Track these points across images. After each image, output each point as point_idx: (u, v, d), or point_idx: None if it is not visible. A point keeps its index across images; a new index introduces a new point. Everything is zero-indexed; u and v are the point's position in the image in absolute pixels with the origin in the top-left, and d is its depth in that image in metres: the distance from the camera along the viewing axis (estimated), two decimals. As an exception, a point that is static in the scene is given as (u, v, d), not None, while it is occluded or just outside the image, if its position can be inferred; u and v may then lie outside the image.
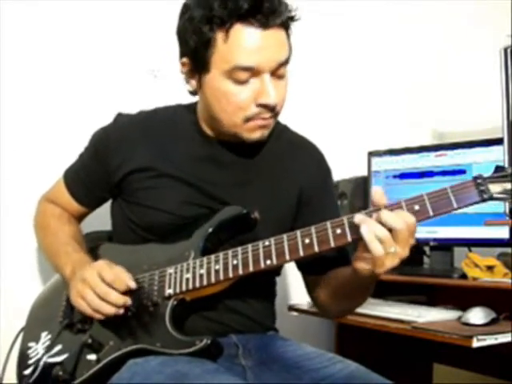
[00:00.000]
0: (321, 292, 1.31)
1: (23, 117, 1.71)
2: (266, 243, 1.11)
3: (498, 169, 1.04)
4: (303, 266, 1.32)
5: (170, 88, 1.21)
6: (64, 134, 1.72)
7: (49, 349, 1.23)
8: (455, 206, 1.03)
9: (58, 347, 1.23)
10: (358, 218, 1.02)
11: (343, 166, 2.00)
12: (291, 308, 1.81)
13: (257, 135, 1.20)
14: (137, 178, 1.26)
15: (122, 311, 1.14)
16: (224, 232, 1.21)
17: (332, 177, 1.39)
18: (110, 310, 1.13)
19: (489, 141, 1.73)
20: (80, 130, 1.48)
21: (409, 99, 2.30)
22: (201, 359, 1.10)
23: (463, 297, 1.65)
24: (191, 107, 1.30)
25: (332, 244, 1.06)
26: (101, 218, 1.41)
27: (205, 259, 1.16)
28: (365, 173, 2.01)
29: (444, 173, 1.82)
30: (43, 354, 1.24)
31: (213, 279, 1.14)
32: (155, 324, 1.15)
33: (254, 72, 1.13)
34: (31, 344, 1.29)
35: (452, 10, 2.39)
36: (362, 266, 1.05)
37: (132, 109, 1.35)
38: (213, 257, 1.15)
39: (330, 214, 1.12)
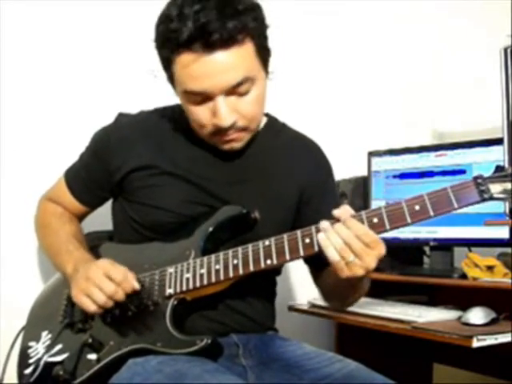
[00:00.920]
0: (322, 284, 1.33)
1: (24, 117, 1.71)
2: (267, 243, 1.12)
3: (498, 169, 1.04)
4: (307, 259, 1.32)
5: (170, 88, 1.21)
6: (64, 133, 1.72)
7: (49, 348, 1.24)
8: (455, 205, 1.03)
9: (58, 346, 1.24)
10: (322, 225, 1.06)
11: (343, 166, 1.99)
12: (291, 308, 1.81)
13: (227, 147, 1.21)
14: (137, 176, 1.26)
15: (117, 311, 1.16)
16: (224, 232, 1.22)
17: (333, 173, 1.38)
18: (113, 308, 1.15)
19: (489, 141, 1.73)
20: (80, 130, 1.49)
21: (409, 99, 2.30)
22: (201, 359, 1.10)
23: (463, 297, 1.65)
24: None
25: None
26: (102, 218, 1.41)
27: (205, 259, 1.16)
28: (365, 173, 2.01)
29: (444, 173, 1.81)
30: (44, 354, 1.24)
31: (213, 279, 1.14)
32: (156, 324, 1.16)
33: (207, 95, 1.12)
34: (32, 343, 1.29)
35: (452, 10, 2.39)
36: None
37: (132, 109, 1.35)
38: (213, 256, 1.15)
39: (330, 213, 1.12)
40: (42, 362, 1.23)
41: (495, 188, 1.02)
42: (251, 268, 1.12)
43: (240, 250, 1.14)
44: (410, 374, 2.05)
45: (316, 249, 1.08)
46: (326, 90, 2.18)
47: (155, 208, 1.24)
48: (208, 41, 1.06)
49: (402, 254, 1.95)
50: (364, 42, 2.27)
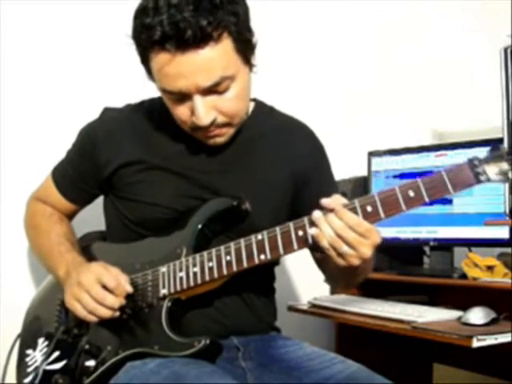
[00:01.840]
0: (325, 268, 1.31)
1: (23, 118, 1.71)
2: (259, 237, 1.10)
3: (494, 148, 1.01)
4: None
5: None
6: (64, 134, 1.71)
7: (47, 356, 1.22)
8: (451, 190, 1.00)
9: (55, 354, 1.22)
10: (315, 216, 1.04)
11: (343, 166, 1.99)
12: (291, 308, 1.81)
13: (210, 142, 1.19)
14: (127, 172, 1.24)
15: (117, 314, 1.14)
16: (215, 225, 1.20)
17: (326, 152, 1.36)
18: (106, 313, 1.13)
19: (489, 141, 1.73)
20: (75, 128, 1.47)
21: (409, 99, 2.30)
22: (199, 361, 1.09)
23: (463, 297, 1.65)
24: None
25: None
26: (100, 218, 1.40)
27: (197, 256, 1.14)
28: (365, 173, 2.01)
29: (444, 173, 1.81)
30: (42, 362, 1.22)
31: (207, 277, 1.13)
32: (152, 326, 1.15)
33: (183, 94, 1.10)
34: (29, 351, 1.28)
35: (452, 10, 2.39)
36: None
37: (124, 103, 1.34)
38: (205, 253, 1.14)
39: (329, 192, 1.10)
40: (40, 371, 1.21)
41: (491, 170, 0.99)
42: (245, 264, 1.10)
43: (232, 245, 1.12)
44: (410, 374, 2.05)
45: (310, 241, 1.06)
46: (326, 90, 2.18)
47: (146, 204, 1.22)
48: (181, 40, 1.02)
49: (401, 254, 1.96)
50: (364, 42, 2.27)
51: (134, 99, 1.35)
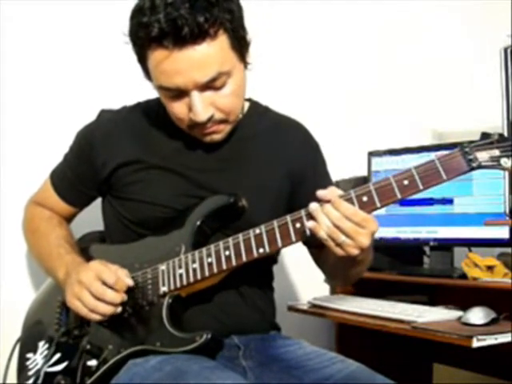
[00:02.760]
0: (323, 264, 1.32)
1: (21, 121, 1.71)
2: (257, 231, 1.11)
3: (484, 136, 1.02)
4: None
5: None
6: (62, 137, 1.70)
7: (48, 358, 1.22)
8: (444, 177, 1.02)
9: (57, 356, 1.22)
10: (311, 207, 1.06)
11: (343, 166, 2.00)
12: (291, 308, 1.81)
13: (207, 139, 1.20)
14: (124, 172, 1.25)
15: (119, 309, 1.14)
16: (213, 222, 1.20)
17: (321, 150, 1.37)
18: (107, 310, 1.13)
19: (489, 141, 1.73)
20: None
21: (409, 99, 2.30)
22: (200, 357, 1.10)
23: (463, 297, 1.65)
24: None
25: None
26: (99, 219, 1.40)
27: (196, 253, 1.15)
28: (365, 173, 2.01)
29: (444, 173, 1.81)
30: (43, 365, 1.22)
31: (206, 272, 1.13)
32: (153, 323, 1.15)
33: (181, 90, 1.11)
34: (29, 355, 1.28)
35: (452, 10, 2.39)
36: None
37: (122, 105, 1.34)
38: (204, 250, 1.14)
39: (324, 188, 1.10)
40: (42, 373, 1.21)
41: (482, 156, 1.01)
42: (244, 258, 1.11)
43: (231, 240, 1.12)
44: (410, 373, 2.05)
45: (308, 233, 1.07)
46: (325, 90, 2.18)
47: (145, 203, 1.23)
48: (178, 36, 1.04)
49: (402, 254, 1.96)
50: (364, 42, 2.27)
51: (131, 101, 1.35)
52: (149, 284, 1.18)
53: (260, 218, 1.14)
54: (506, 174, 1.60)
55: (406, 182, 1.03)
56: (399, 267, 1.88)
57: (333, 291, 1.91)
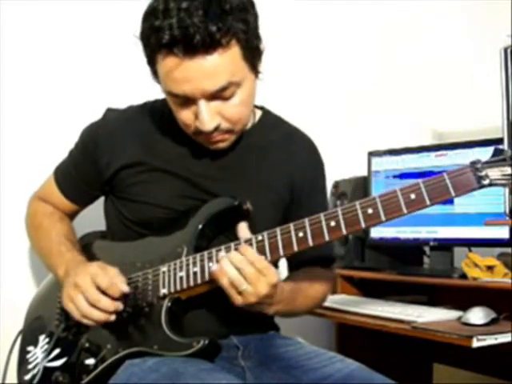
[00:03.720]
0: None
1: (24, 118, 1.71)
2: (259, 238, 1.10)
3: (497, 152, 0.99)
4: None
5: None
6: (67, 134, 1.71)
7: (48, 353, 1.22)
8: (453, 193, 0.99)
9: (56, 351, 1.23)
10: (220, 255, 1.09)
11: (343, 166, 2.00)
12: (291, 308, 1.81)
13: (213, 147, 1.20)
14: (127, 173, 1.25)
15: (113, 317, 1.14)
16: (216, 225, 1.20)
17: (324, 173, 1.36)
18: (100, 317, 1.13)
19: (489, 141, 1.73)
20: (79, 129, 1.48)
21: (409, 99, 2.30)
22: (197, 359, 1.09)
23: (463, 297, 1.65)
24: None
25: (326, 237, 1.05)
26: (101, 219, 1.40)
27: (198, 256, 1.14)
28: (365, 173, 2.01)
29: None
30: (42, 359, 1.23)
31: (207, 277, 1.12)
32: (151, 325, 1.15)
33: (189, 98, 1.10)
34: (30, 348, 1.28)
35: (452, 10, 2.39)
36: None
37: (127, 104, 1.34)
38: (206, 253, 1.14)
39: (314, 212, 1.09)
40: (41, 368, 1.21)
41: (494, 173, 0.97)
42: None
43: (233, 246, 1.11)
44: (410, 373, 2.05)
45: (207, 278, 1.11)
46: (326, 90, 2.18)
47: (147, 204, 1.23)
48: (189, 45, 1.03)
49: (402, 254, 1.96)
50: (364, 42, 2.27)
51: (137, 100, 1.35)
52: (149, 285, 1.17)
53: (261, 226, 1.14)
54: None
55: (412, 196, 1.00)
56: (399, 267, 1.89)
57: (333, 291, 1.91)
